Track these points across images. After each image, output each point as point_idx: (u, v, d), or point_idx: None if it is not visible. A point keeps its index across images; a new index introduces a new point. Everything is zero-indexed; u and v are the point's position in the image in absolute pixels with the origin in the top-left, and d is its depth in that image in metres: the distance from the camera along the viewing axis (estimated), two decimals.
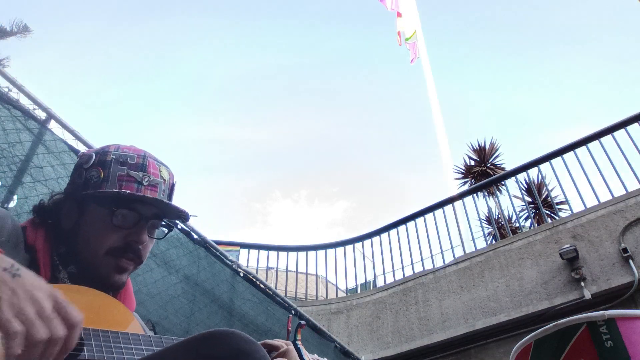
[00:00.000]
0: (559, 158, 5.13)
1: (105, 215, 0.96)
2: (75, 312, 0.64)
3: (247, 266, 5.13)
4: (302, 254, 6.36)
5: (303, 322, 1.10)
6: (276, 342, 1.05)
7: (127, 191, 0.96)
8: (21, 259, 0.87)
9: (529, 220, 7.76)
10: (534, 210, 7.68)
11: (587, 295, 3.91)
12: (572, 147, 5.08)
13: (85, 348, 0.76)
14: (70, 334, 0.63)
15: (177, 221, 1.10)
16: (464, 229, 5.58)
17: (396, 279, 5.57)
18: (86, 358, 0.75)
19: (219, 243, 3.61)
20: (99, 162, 0.99)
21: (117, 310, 0.92)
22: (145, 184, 0.99)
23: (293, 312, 3.80)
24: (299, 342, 1.08)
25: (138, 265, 1.00)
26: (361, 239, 6.24)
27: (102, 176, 0.97)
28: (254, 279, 3.51)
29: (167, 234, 1.10)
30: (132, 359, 0.79)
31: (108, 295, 0.92)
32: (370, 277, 6.17)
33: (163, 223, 1.08)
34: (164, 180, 1.02)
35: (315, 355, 1.12)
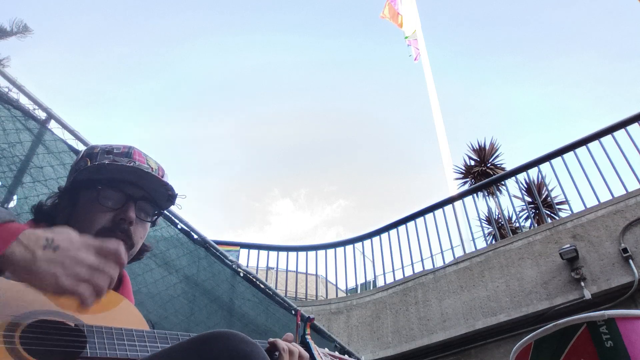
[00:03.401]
0: (559, 158, 5.13)
1: (93, 197, 0.98)
2: (112, 244, 0.73)
3: (247, 266, 5.13)
4: (302, 254, 6.36)
5: (312, 317, 1.10)
6: (282, 344, 1.00)
7: (106, 162, 0.98)
8: None
9: (529, 220, 7.76)
10: (534, 210, 7.67)
11: (587, 295, 3.91)
12: (572, 147, 5.08)
13: (88, 345, 0.76)
14: (117, 257, 0.73)
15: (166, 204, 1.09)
16: (464, 229, 5.58)
17: (396, 279, 5.58)
18: (89, 355, 0.75)
19: (219, 243, 3.61)
20: (87, 154, 1.03)
21: (124, 307, 0.92)
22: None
23: (293, 312, 3.80)
24: (308, 337, 1.07)
25: (130, 247, 1.01)
26: (361, 239, 6.23)
27: (88, 164, 1.00)
28: (254, 279, 3.51)
29: (156, 218, 1.10)
30: (135, 355, 0.79)
31: (115, 292, 0.93)
32: (370, 277, 6.17)
33: (157, 212, 1.09)
34: (151, 167, 1.03)
35: (326, 349, 1.11)
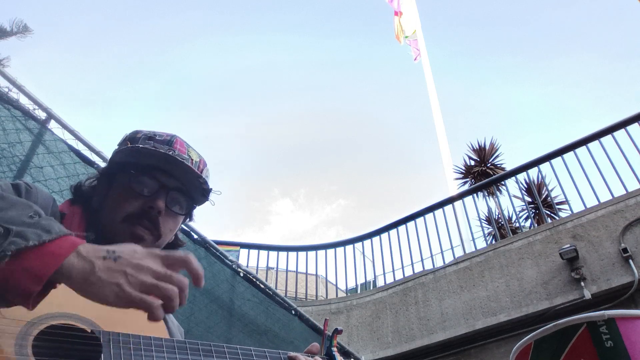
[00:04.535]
0: (559, 158, 5.13)
1: (126, 181, 0.96)
2: (177, 255, 0.69)
3: (247, 266, 5.12)
4: (302, 254, 6.36)
5: (340, 328, 1.06)
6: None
7: (141, 145, 0.95)
8: None
9: (529, 220, 7.76)
10: (534, 210, 7.67)
11: (587, 295, 3.91)
12: (572, 147, 5.08)
13: (102, 356, 0.72)
14: (187, 265, 0.69)
15: (200, 200, 1.07)
16: (464, 229, 5.58)
17: (396, 279, 5.58)
18: None
19: (219, 243, 3.61)
20: (129, 138, 1.00)
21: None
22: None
23: (293, 312, 3.80)
24: (334, 349, 1.04)
25: (157, 238, 0.96)
26: (361, 239, 6.24)
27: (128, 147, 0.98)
28: (254, 279, 3.51)
29: (190, 212, 1.05)
30: None
31: None
32: (370, 277, 6.17)
33: (190, 208, 1.05)
34: (192, 159, 1.00)
35: (352, 359, 1.09)
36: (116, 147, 1.03)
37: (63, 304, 0.73)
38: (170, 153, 0.96)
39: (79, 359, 0.70)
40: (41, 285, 0.59)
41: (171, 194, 0.98)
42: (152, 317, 0.64)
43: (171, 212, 0.99)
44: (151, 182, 0.96)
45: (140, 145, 0.96)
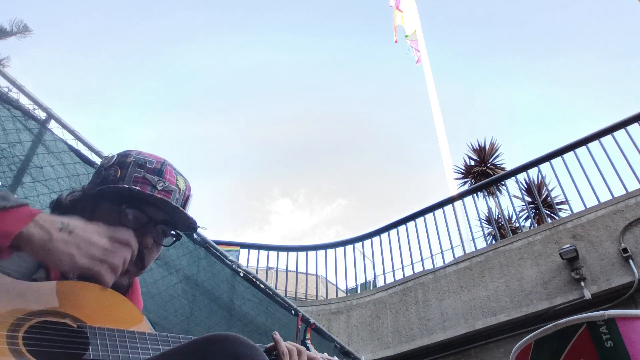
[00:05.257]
0: (559, 158, 5.12)
1: (115, 213, 0.97)
2: (123, 233, 0.81)
3: (247, 266, 5.12)
4: (302, 254, 6.36)
5: (313, 322, 1.09)
6: (284, 347, 0.97)
7: (137, 188, 0.97)
8: (30, 262, 0.88)
9: (529, 220, 7.76)
10: (534, 210, 7.67)
11: (587, 295, 3.90)
12: (572, 147, 5.07)
13: (90, 347, 0.75)
14: (128, 244, 0.81)
15: (185, 231, 1.10)
16: (464, 229, 5.58)
17: (396, 279, 5.57)
18: (91, 358, 0.74)
19: (219, 243, 3.61)
20: (118, 162, 1.02)
21: (125, 308, 0.91)
22: (159, 188, 1.00)
23: (293, 312, 3.79)
24: (308, 342, 1.07)
25: (140, 270, 1.00)
26: (361, 239, 6.23)
27: (118, 175, 0.99)
28: (254, 279, 3.51)
29: (174, 242, 1.09)
30: (137, 357, 0.79)
31: (116, 292, 0.92)
32: (370, 277, 6.17)
33: (172, 232, 1.07)
34: (179, 189, 1.03)
35: (326, 354, 1.11)
36: (103, 162, 1.05)
37: (50, 302, 0.77)
38: (160, 186, 1.00)
39: (68, 349, 0.73)
40: (9, 240, 0.69)
41: (158, 227, 1.01)
42: (102, 284, 0.76)
43: (155, 244, 1.02)
44: (140, 215, 0.99)
45: (137, 189, 0.97)
